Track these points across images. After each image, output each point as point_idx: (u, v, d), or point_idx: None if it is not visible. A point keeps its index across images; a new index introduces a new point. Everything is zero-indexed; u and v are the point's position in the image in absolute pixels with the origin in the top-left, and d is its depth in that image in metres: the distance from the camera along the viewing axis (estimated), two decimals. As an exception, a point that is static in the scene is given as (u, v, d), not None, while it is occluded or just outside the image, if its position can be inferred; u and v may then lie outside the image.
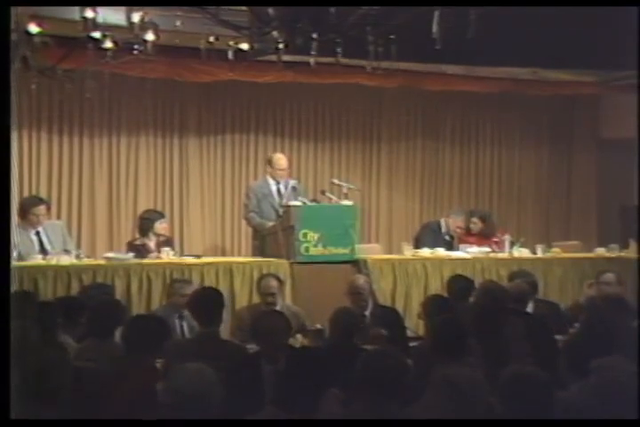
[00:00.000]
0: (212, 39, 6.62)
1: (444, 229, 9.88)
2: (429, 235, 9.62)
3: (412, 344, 6.51)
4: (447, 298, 6.84)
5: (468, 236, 10.06)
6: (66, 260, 7.78)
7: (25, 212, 8.19)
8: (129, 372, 4.59)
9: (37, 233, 8.15)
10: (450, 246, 9.64)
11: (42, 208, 8.22)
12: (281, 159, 9.31)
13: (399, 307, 8.38)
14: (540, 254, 9.45)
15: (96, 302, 6.26)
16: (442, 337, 5.01)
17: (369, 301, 7.44)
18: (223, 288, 7.39)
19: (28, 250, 7.96)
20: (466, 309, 6.45)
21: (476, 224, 10.09)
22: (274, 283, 7.32)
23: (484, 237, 10.03)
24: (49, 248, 8.07)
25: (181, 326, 6.89)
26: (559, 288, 9.22)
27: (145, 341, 4.85)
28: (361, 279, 7.60)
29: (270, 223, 8.76)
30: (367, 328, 6.92)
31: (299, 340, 6.42)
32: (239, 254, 10.52)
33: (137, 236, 8.97)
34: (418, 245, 9.50)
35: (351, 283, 7.51)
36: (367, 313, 7.31)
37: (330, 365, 4.85)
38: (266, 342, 5.08)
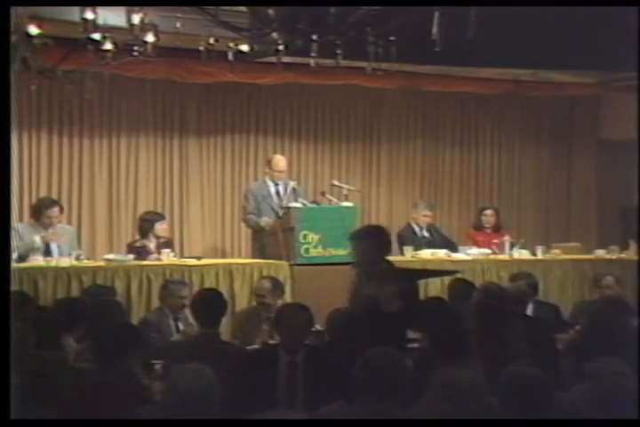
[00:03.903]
0: (212, 41, 6.62)
1: (417, 229, 9.85)
2: (408, 241, 9.56)
3: (412, 346, 6.51)
4: (442, 299, 6.85)
5: (478, 233, 10.04)
6: (66, 261, 7.79)
7: (38, 213, 8.23)
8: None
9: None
10: (431, 242, 9.61)
11: (55, 210, 8.28)
12: (281, 161, 9.32)
13: (399, 308, 8.38)
14: (539, 256, 9.46)
15: (96, 303, 6.27)
16: (442, 338, 5.02)
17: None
18: (223, 290, 7.38)
19: (33, 249, 7.99)
20: (466, 311, 6.46)
21: (492, 217, 10.10)
22: (266, 285, 7.33)
23: (495, 231, 10.02)
24: (55, 251, 8.08)
25: (177, 328, 6.89)
26: (559, 290, 9.23)
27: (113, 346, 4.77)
28: None
29: (265, 219, 8.74)
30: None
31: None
32: (239, 256, 10.51)
33: (137, 237, 8.97)
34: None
35: None
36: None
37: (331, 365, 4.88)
38: (286, 333, 5.11)
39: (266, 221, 8.74)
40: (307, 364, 4.98)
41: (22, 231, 8.04)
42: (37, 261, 7.83)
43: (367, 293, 5.69)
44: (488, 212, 10.23)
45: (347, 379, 4.25)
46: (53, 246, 8.16)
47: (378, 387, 3.93)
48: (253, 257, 9.05)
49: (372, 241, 6.13)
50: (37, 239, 8.03)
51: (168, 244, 8.77)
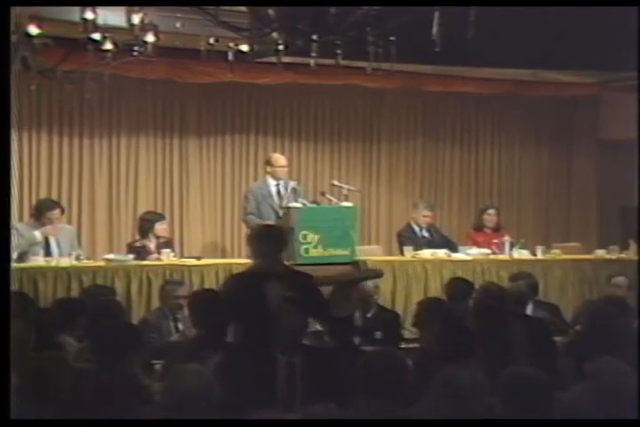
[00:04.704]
0: (212, 41, 6.62)
1: (417, 229, 9.83)
2: (408, 241, 9.54)
3: (412, 346, 6.52)
4: (443, 300, 6.85)
5: (478, 234, 10.02)
6: (66, 261, 7.79)
7: (39, 214, 8.22)
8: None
9: (46, 236, 8.15)
10: (431, 242, 9.60)
11: (56, 212, 8.28)
12: (280, 158, 9.33)
13: (399, 308, 8.39)
14: (540, 256, 9.45)
15: (96, 302, 6.27)
16: (442, 339, 5.02)
17: (374, 304, 7.47)
18: (223, 289, 7.38)
19: (32, 248, 7.99)
20: (465, 310, 6.47)
21: (494, 216, 10.08)
22: None
23: (495, 231, 10.00)
24: (55, 251, 8.09)
25: (176, 328, 6.89)
26: (559, 290, 9.23)
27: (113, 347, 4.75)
28: (369, 284, 7.60)
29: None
30: (369, 330, 6.98)
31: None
32: (239, 256, 10.50)
33: (137, 237, 8.97)
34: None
35: (360, 288, 7.50)
36: (369, 315, 7.32)
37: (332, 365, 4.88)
38: (282, 334, 5.11)
39: None
40: (305, 365, 4.97)
41: (22, 231, 8.04)
42: (37, 261, 7.84)
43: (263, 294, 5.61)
44: (491, 211, 10.19)
45: (345, 379, 4.24)
46: (53, 246, 8.17)
47: (378, 387, 3.93)
48: (253, 257, 9.03)
49: (265, 241, 5.99)
50: (37, 234, 8.05)
51: (168, 244, 8.77)
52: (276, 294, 5.47)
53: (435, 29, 5.84)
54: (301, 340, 5.21)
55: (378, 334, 6.98)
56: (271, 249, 5.81)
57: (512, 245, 9.49)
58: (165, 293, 7.13)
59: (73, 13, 6.52)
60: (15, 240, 7.63)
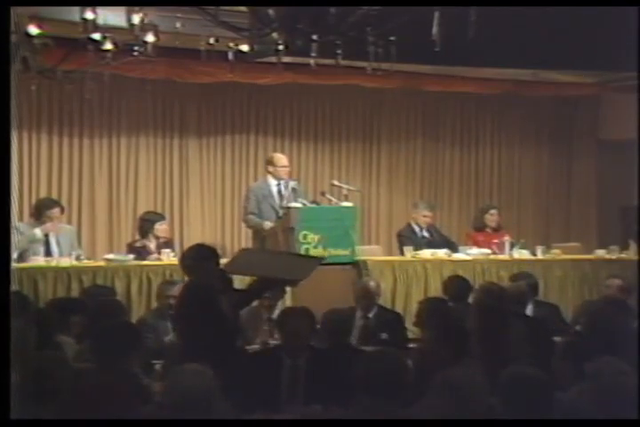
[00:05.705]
0: (212, 41, 6.63)
1: (417, 229, 9.82)
2: (408, 241, 9.53)
3: (412, 345, 6.52)
4: (444, 299, 6.85)
5: (478, 234, 10.00)
6: (66, 261, 7.80)
7: (39, 214, 8.23)
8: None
9: (46, 235, 8.16)
10: (431, 242, 9.59)
11: (56, 211, 8.29)
12: (282, 158, 9.32)
13: (399, 308, 8.38)
14: (540, 256, 9.45)
15: (97, 302, 6.27)
16: (442, 338, 5.02)
17: (375, 304, 7.47)
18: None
19: (32, 246, 7.99)
20: (464, 309, 6.47)
21: (496, 216, 10.06)
22: None
23: (495, 231, 9.99)
24: (56, 251, 8.09)
25: (173, 328, 6.87)
26: (559, 290, 9.22)
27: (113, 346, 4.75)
28: (372, 283, 7.59)
29: (268, 223, 8.75)
30: (370, 330, 6.97)
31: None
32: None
33: (137, 237, 8.97)
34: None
35: (363, 287, 7.50)
36: (371, 315, 7.32)
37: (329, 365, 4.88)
38: (290, 337, 5.11)
39: (269, 225, 8.71)
40: (309, 365, 4.98)
41: (23, 229, 8.05)
42: (37, 260, 7.84)
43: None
44: (493, 211, 10.15)
45: (345, 379, 4.25)
46: (53, 245, 8.17)
47: (378, 387, 3.92)
48: (253, 257, 9.02)
49: (195, 258, 5.95)
50: (37, 231, 8.05)
51: (168, 244, 8.77)
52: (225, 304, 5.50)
53: (435, 29, 5.84)
54: (308, 343, 5.22)
55: (381, 335, 6.97)
56: (207, 267, 5.75)
57: (512, 245, 9.48)
58: (159, 292, 7.14)
59: (73, 13, 6.53)
60: (16, 238, 7.63)
